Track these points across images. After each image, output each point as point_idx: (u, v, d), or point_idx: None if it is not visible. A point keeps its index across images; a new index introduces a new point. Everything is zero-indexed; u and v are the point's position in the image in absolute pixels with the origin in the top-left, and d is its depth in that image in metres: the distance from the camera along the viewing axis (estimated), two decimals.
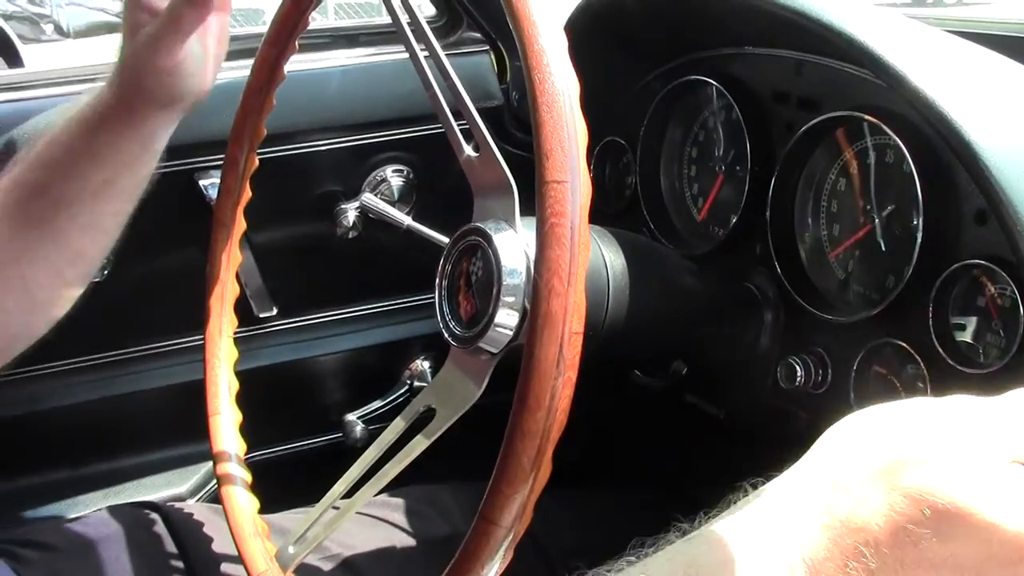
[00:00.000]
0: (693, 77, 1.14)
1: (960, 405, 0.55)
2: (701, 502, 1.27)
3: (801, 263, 1.03)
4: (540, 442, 0.65)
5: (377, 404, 1.44)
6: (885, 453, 0.54)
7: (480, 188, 0.82)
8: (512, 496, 0.65)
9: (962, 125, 0.80)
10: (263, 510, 0.98)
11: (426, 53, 0.84)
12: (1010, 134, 0.82)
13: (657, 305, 0.97)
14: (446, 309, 0.87)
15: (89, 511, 1.17)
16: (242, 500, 0.95)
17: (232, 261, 1.02)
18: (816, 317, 0.98)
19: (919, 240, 0.88)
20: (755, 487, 0.59)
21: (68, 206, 0.92)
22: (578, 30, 1.22)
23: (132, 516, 1.08)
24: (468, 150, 0.82)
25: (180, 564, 1.03)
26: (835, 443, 0.56)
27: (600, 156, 1.27)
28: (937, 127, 0.83)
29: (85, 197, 0.93)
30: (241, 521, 0.93)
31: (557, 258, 0.64)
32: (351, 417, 1.42)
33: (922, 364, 0.89)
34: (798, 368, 0.98)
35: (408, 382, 1.45)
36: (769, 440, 1.18)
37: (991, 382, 0.83)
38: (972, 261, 0.85)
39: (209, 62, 0.94)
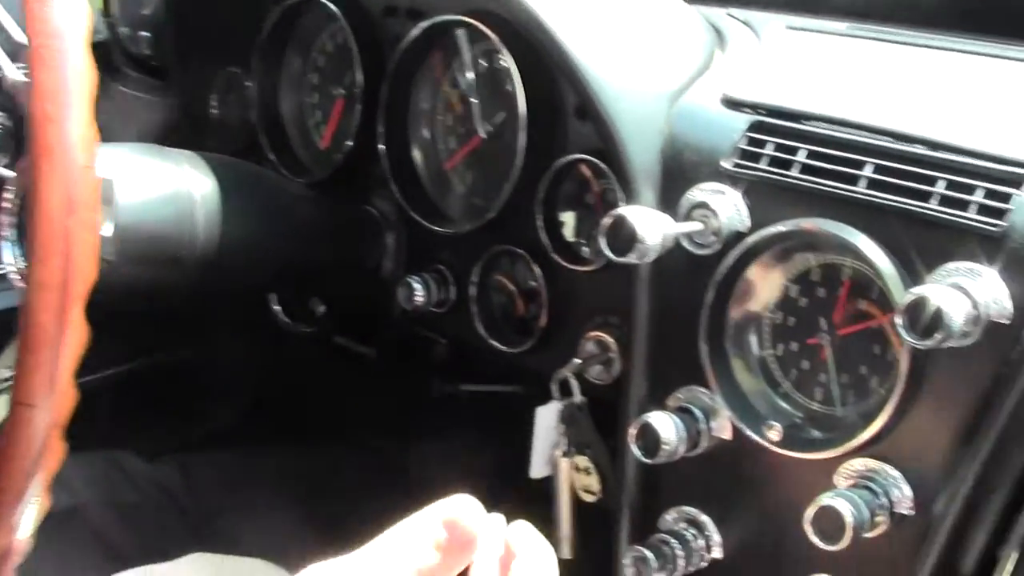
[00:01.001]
0: None
1: None
2: (385, 454, 1.23)
3: (420, 180, 0.99)
4: (61, 296, 0.56)
5: None
6: None
7: None
8: (39, 366, 0.56)
9: (553, 27, 0.80)
10: None
11: None
12: (600, 37, 0.82)
13: (265, 232, 0.91)
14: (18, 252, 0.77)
15: None
16: None
17: None
18: (435, 233, 0.94)
19: (523, 141, 0.86)
20: None
21: None
22: None
23: None
24: (12, 73, 0.71)
25: None
26: None
27: (221, 91, 1.18)
28: (532, 30, 0.81)
29: None
30: None
31: (46, 82, 0.56)
32: None
33: (535, 267, 0.87)
34: (417, 287, 0.94)
35: None
36: (417, 374, 1.14)
37: (598, 277, 0.82)
38: (574, 156, 0.84)
39: None
